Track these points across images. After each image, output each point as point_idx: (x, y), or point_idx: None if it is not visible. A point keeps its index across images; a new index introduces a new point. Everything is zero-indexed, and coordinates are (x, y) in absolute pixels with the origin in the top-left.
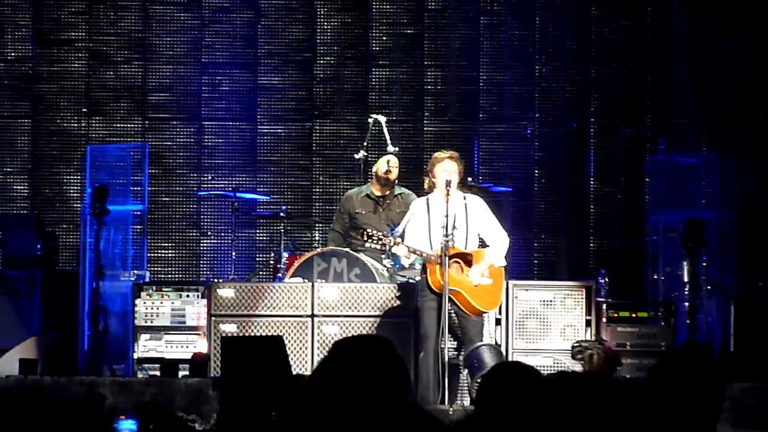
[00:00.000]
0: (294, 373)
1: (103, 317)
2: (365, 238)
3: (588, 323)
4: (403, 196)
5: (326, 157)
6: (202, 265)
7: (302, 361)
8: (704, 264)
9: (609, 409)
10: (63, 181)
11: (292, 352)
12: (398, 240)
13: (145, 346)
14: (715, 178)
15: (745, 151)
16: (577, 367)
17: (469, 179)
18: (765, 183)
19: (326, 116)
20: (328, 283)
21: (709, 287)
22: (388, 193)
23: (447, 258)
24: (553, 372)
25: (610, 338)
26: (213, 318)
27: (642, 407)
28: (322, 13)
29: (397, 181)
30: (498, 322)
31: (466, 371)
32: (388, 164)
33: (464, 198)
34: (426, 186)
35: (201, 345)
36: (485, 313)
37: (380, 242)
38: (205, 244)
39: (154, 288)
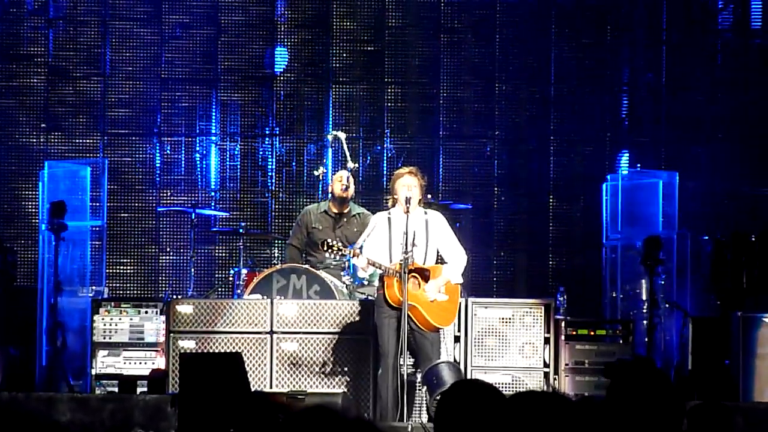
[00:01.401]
0: (253, 389)
1: (61, 333)
2: (324, 248)
3: (547, 341)
4: (361, 216)
5: (286, 173)
6: (160, 281)
7: (261, 378)
8: (662, 282)
9: (566, 426)
10: (21, 196)
11: (251, 368)
12: (357, 251)
13: (104, 362)
14: (674, 197)
15: (704, 170)
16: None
17: (429, 196)
18: (724, 201)
19: (286, 133)
20: (287, 300)
21: (667, 305)
22: (346, 211)
23: (407, 273)
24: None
25: (568, 356)
26: (172, 334)
27: (600, 424)
28: (282, 29)
29: (353, 197)
30: (457, 339)
31: (424, 388)
32: (342, 182)
33: (425, 213)
34: (390, 204)
35: (159, 361)
36: (440, 329)
37: (339, 252)
38: (163, 260)
39: (113, 304)
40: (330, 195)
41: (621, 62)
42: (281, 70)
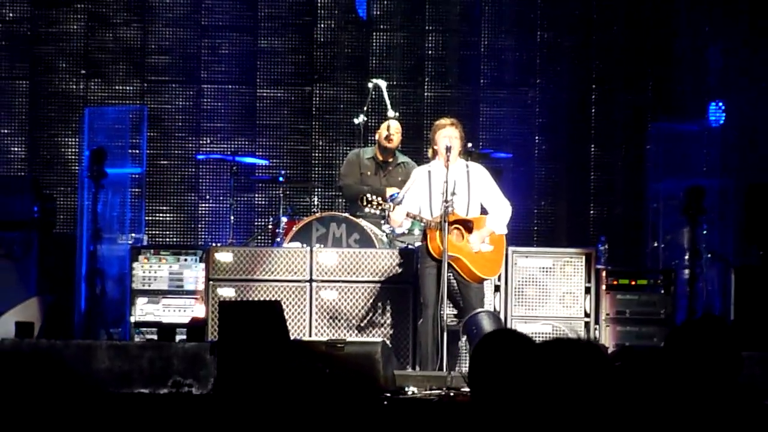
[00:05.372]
0: (292, 338)
1: (100, 281)
2: (363, 203)
3: (587, 290)
4: (405, 165)
5: (326, 121)
6: (200, 229)
7: (300, 326)
8: (704, 232)
9: (602, 376)
10: (61, 143)
11: (290, 317)
12: (396, 204)
13: (143, 310)
14: (717, 146)
15: (746, 119)
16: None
17: (469, 145)
18: (766, 151)
19: (326, 80)
20: (326, 248)
21: (709, 255)
22: (391, 160)
23: (447, 224)
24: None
25: (609, 306)
26: (211, 282)
27: (655, 375)
28: None
29: (399, 147)
30: (497, 288)
31: (464, 338)
32: (387, 130)
33: (467, 165)
34: (430, 154)
35: (198, 309)
36: (486, 280)
37: (379, 207)
38: (203, 208)
39: (152, 251)
40: (376, 142)
41: (663, 9)
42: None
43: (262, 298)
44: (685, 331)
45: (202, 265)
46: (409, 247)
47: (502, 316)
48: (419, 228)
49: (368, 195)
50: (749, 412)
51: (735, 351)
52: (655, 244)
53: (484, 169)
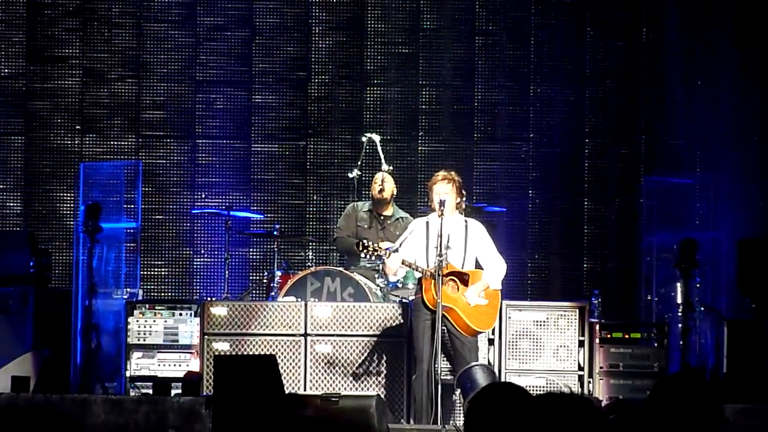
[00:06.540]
0: (287, 392)
1: (95, 335)
2: (360, 249)
3: (581, 344)
4: (403, 220)
5: (320, 175)
6: (195, 284)
7: (295, 380)
8: (698, 285)
9: (596, 429)
10: (56, 198)
11: (285, 371)
12: (391, 252)
13: (138, 365)
14: (709, 200)
15: (739, 173)
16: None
17: (463, 199)
18: (759, 204)
19: (320, 135)
20: (321, 302)
21: (702, 308)
22: (389, 213)
23: (441, 276)
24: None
25: (603, 359)
26: (206, 336)
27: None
28: (317, 31)
29: (393, 200)
30: (491, 342)
31: (459, 391)
32: (380, 183)
33: (465, 221)
34: (431, 206)
35: (194, 363)
36: (479, 333)
37: (375, 253)
38: (198, 263)
39: (147, 306)
40: (371, 196)
41: (655, 63)
42: None
43: (257, 352)
44: (666, 385)
45: (197, 320)
46: (403, 300)
47: (496, 370)
48: (413, 282)
49: (364, 240)
50: None
51: (715, 404)
52: (649, 298)
53: (482, 226)
